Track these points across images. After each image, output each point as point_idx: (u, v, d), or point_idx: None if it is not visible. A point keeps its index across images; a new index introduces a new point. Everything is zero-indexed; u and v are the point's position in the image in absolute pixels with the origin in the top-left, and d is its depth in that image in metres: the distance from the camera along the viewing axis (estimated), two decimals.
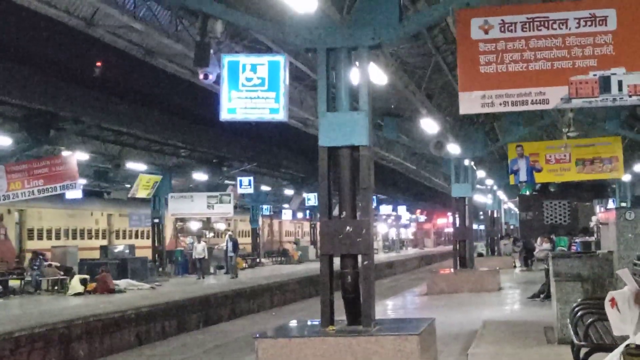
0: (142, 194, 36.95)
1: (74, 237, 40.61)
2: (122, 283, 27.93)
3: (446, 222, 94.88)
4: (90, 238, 42.21)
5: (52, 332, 17.53)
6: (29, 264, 28.06)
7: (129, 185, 38.16)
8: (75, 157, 27.19)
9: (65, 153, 27.10)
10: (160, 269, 36.39)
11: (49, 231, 38.81)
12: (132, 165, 34.83)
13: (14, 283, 27.51)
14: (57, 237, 39.14)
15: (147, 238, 46.26)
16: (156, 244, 38.54)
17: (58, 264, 30.38)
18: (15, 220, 36.40)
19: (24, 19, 16.71)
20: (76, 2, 15.34)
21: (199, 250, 36.11)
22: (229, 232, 41.04)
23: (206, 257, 36.57)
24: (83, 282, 26.90)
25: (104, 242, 42.41)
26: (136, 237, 46.47)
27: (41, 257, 28.59)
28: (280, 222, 65.16)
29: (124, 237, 45.31)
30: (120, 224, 45.45)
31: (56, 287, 27.93)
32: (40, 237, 38.17)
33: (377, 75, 14.95)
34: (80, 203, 38.69)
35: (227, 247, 36.83)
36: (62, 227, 39.95)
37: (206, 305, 25.55)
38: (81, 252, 35.40)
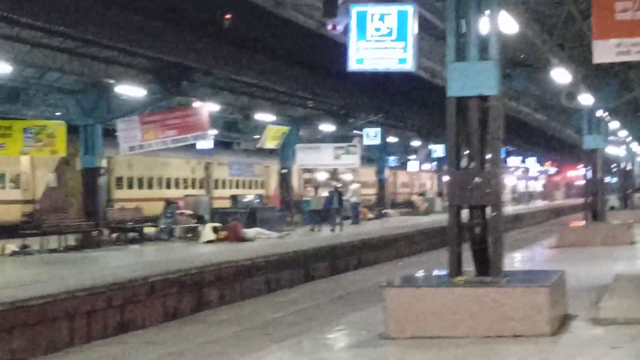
0: (270, 144, 37.50)
1: (168, 187, 39.29)
2: (251, 232, 28.52)
3: (576, 174, 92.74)
4: (185, 187, 40.59)
5: (185, 277, 18.11)
6: (162, 212, 29.00)
7: (257, 136, 38.73)
8: (206, 108, 27.83)
9: (196, 104, 27.75)
10: (289, 219, 36.94)
11: (140, 180, 37.48)
12: (260, 117, 35.35)
13: (148, 230, 28.51)
14: (150, 187, 37.72)
15: (250, 187, 45.82)
16: (284, 194, 39.19)
17: (191, 212, 31.28)
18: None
19: None
20: None
21: (315, 202, 35.65)
22: (334, 184, 39.74)
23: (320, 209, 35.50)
24: (215, 230, 27.63)
25: (201, 192, 40.89)
26: (237, 187, 45.00)
27: (174, 205, 29.50)
28: (394, 173, 64.19)
29: (224, 187, 43.75)
30: (220, 174, 44.21)
31: (189, 235, 28.78)
32: (130, 186, 36.83)
33: (507, 24, 14.67)
34: (174, 150, 34.91)
35: (332, 201, 34.37)
36: (154, 176, 38.50)
37: (333, 254, 25.88)
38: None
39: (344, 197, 36.83)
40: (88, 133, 26.03)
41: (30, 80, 25.25)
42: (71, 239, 24.34)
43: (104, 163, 34.02)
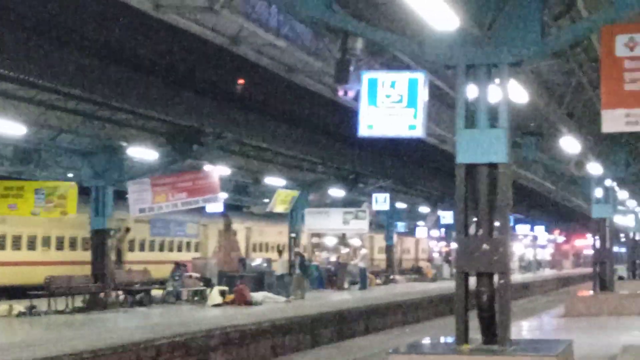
0: (279, 208, 37.57)
1: (161, 250, 39.64)
2: (258, 296, 28.41)
3: (585, 243, 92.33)
4: (72, 249, 35.30)
5: (191, 341, 18.02)
6: (170, 274, 28.95)
7: (267, 200, 38.84)
8: (217, 171, 27.98)
9: (207, 167, 27.91)
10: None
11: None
12: (270, 181, 35.48)
13: (156, 293, 28.41)
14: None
15: (180, 250, 41.77)
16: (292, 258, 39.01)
17: (198, 275, 31.20)
18: None
19: (171, 37, 17.32)
20: (222, 20, 15.82)
21: (280, 267, 32.98)
22: (296, 249, 37.32)
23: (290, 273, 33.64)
24: (222, 293, 27.54)
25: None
26: (161, 249, 41.00)
27: (182, 267, 29.45)
28: (372, 237, 59.24)
29: (142, 250, 39.66)
30: (138, 233, 39.15)
31: (196, 298, 28.68)
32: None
33: (517, 92, 14.81)
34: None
35: (295, 265, 33.37)
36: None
37: (340, 320, 25.72)
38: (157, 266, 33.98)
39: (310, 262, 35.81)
40: (99, 195, 26.06)
41: (44, 141, 25.45)
42: (78, 301, 24.27)
43: None
